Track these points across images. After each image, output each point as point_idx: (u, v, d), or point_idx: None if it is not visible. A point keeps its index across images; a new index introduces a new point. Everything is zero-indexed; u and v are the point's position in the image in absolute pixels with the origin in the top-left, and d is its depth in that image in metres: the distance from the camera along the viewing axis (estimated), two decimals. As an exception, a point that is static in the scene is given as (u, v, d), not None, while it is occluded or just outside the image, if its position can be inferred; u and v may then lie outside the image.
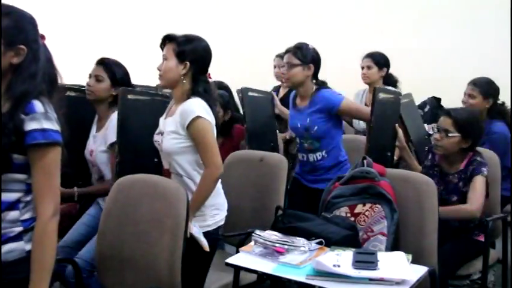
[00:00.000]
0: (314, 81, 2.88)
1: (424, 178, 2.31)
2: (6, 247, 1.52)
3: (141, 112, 2.54)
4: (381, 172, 2.30)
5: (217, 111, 2.31)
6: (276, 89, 4.28)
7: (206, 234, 2.18)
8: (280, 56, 3.97)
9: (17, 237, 1.53)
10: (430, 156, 2.78)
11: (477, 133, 2.65)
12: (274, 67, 4.29)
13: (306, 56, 2.82)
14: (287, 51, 2.88)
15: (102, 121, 2.70)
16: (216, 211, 2.27)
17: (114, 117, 2.58)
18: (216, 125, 2.25)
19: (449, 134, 2.59)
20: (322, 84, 2.89)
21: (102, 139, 2.64)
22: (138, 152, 2.50)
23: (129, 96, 2.54)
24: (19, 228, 1.54)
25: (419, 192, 2.23)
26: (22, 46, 1.52)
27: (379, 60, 3.82)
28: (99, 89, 2.64)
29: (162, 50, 2.29)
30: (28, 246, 1.53)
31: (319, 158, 2.87)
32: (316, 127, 2.82)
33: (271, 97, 3.56)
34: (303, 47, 2.85)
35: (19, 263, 1.53)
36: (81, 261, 2.39)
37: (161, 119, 2.34)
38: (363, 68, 3.86)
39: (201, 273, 2.20)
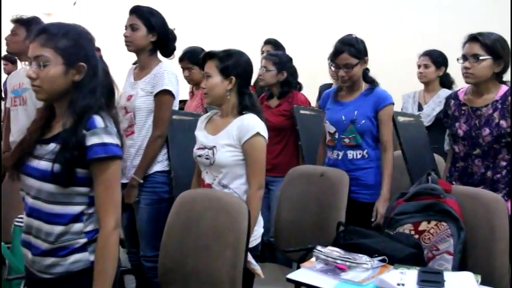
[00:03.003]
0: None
1: (494, 195, 2.21)
2: (71, 258, 1.57)
3: (187, 130, 2.62)
4: (447, 189, 2.23)
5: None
6: (327, 87, 4.21)
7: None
8: None
9: (82, 249, 1.58)
10: (451, 102, 2.61)
11: (508, 53, 2.43)
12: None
13: (360, 51, 2.71)
14: (339, 52, 2.70)
15: (144, 70, 2.68)
16: (256, 226, 2.27)
17: (160, 66, 2.63)
18: None
19: (481, 58, 2.39)
20: (371, 79, 2.83)
21: (146, 85, 2.62)
22: (189, 167, 2.57)
23: (174, 117, 2.67)
24: (83, 240, 1.58)
25: (488, 210, 2.13)
26: (82, 63, 1.57)
27: (437, 59, 3.68)
28: (136, 37, 2.63)
29: (203, 68, 2.32)
30: (92, 257, 1.58)
31: (359, 156, 2.76)
32: (363, 120, 2.72)
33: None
34: (354, 41, 2.71)
35: (84, 273, 1.57)
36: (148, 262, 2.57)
37: (203, 134, 2.35)
38: (419, 66, 3.73)
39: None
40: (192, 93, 3.87)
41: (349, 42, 2.70)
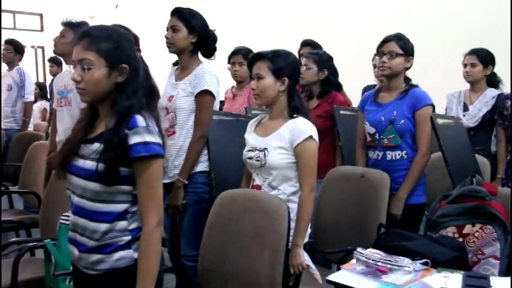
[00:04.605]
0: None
1: (542, 199, 2.14)
2: (116, 255, 1.60)
3: (227, 131, 2.66)
4: (492, 191, 2.17)
5: None
6: (371, 88, 4.12)
7: None
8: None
9: (126, 246, 1.61)
10: (508, 103, 2.53)
11: None
12: (374, 66, 3.98)
13: (407, 47, 2.73)
14: (387, 40, 2.75)
15: (184, 71, 2.71)
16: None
17: (201, 67, 2.66)
18: None
19: None
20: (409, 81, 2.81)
21: (187, 86, 2.64)
22: (229, 167, 2.61)
23: (214, 117, 2.69)
24: (127, 237, 1.61)
25: (536, 213, 2.07)
26: (124, 65, 1.60)
27: (485, 58, 3.58)
28: (177, 39, 2.65)
29: (250, 70, 2.32)
30: (136, 255, 1.60)
31: (397, 157, 2.72)
32: (402, 121, 2.69)
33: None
34: (404, 37, 2.75)
35: (129, 270, 1.60)
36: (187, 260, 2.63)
37: (253, 137, 2.36)
38: (465, 65, 3.63)
39: None
40: (232, 95, 3.85)
41: (399, 36, 2.75)
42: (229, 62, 3.81)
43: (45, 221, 2.83)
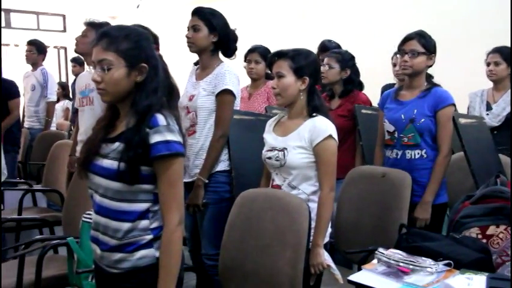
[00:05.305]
0: None
1: None
2: (138, 254, 1.61)
3: (248, 130, 2.67)
4: (517, 192, 2.13)
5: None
6: (390, 87, 4.06)
7: None
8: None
9: (148, 245, 1.62)
10: None
11: None
12: (394, 65, 3.89)
13: (429, 45, 2.69)
14: (408, 38, 2.71)
15: (205, 70, 2.72)
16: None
17: (222, 66, 2.66)
18: None
19: None
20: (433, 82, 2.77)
21: (207, 85, 2.65)
22: (249, 166, 2.60)
23: (235, 117, 2.69)
24: (149, 236, 1.62)
25: (563, 214, 2.03)
26: (144, 64, 1.60)
27: (509, 56, 3.52)
28: (198, 38, 2.66)
29: (271, 68, 2.31)
30: (158, 253, 1.61)
31: (417, 156, 2.69)
32: (422, 119, 2.66)
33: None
34: (426, 34, 2.71)
35: (151, 269, 1.61)
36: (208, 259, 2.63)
37: (272, 137, 2.35)
38: (489, 64, 3.58)
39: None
40: (248, 95, 3.82)
41: (421, 33, 2.71)
42: (245, 60, 3.80)
43: (68, 219, 2.88)
